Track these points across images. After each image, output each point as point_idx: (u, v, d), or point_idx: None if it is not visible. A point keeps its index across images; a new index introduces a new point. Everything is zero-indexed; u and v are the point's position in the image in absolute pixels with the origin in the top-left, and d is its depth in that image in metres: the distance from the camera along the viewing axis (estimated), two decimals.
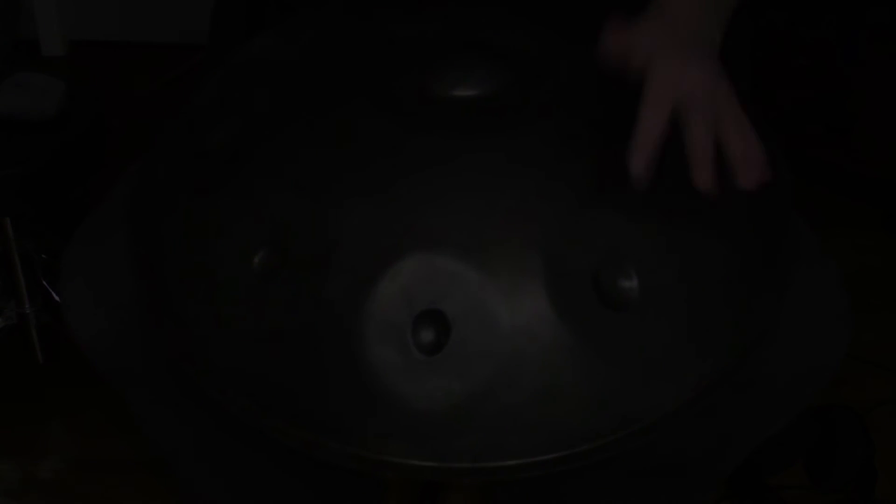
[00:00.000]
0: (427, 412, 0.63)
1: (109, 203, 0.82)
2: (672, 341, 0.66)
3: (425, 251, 0.64)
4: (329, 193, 0.67)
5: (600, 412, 0.64)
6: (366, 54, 0.75)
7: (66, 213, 1.31)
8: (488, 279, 0.64)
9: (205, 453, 0.75)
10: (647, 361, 0.65)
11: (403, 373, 0.63)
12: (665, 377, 0.65)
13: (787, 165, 0.73)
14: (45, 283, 1.39)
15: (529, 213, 0.66)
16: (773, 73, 1.70)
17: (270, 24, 0.82)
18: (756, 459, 1.27)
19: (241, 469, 0.74)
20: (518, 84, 0.72)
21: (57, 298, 1.35)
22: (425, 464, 0.63)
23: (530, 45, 0.75)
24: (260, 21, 0.86)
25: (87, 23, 2.23)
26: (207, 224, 0.69)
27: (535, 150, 0.68)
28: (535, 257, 0.65)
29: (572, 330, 0.64)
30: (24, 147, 1.27)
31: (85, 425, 1.33)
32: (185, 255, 0.70)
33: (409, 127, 0.69)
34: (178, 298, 0.69)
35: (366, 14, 0.79)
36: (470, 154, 0.68)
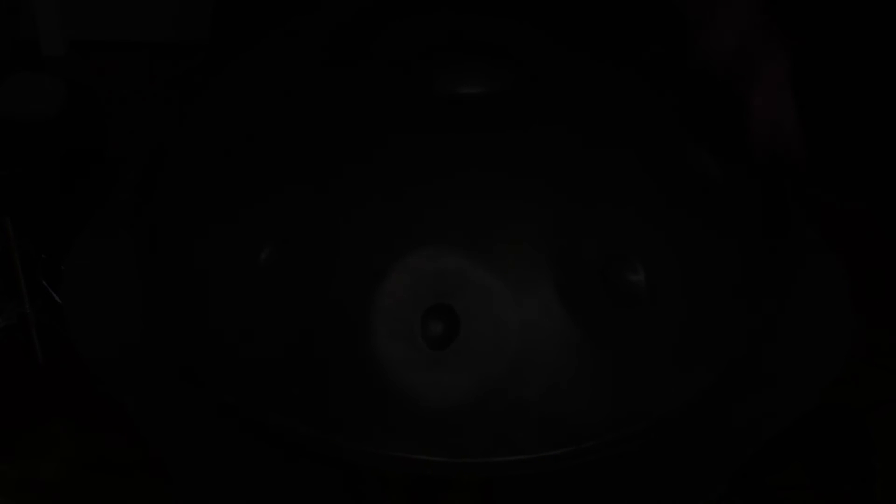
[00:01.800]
0: (436, 408, 0.63)
1: (111, 204, 0.82)
2: (679, 337, 0.66)
3: (433, 246, 0.65)
4: (335, 189, 0.67)
5: (608, 408, 0.64)
6: (371, 53, 0.75)
7: (66, 214, 1.31)
8: (496, 274, 0.64)
9: (203, 455, 0.75)
10: (655, 357, 0.65)
11: (412, 368, 0.63)
12: (672, 373, 0.65)
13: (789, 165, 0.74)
14: (44, 283, 1.39)
15: (537, 208, 0.66)
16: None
17: (273, 23, 0.82)
18: (756, 459, 1.27)
19: (239, 472, 0.74)
20: (526, 81, 0.72)
21: (57, 299, 1.35)
22: (434, 459, 0.63)
23: (535, 45, 0.75)
24: (261, 21, 0.86)
25: (87, 23, 2.22)
26: (212, 222, 0.69)
27: (543, 146, 0.69)
28: (543, 252, 0.65)
29: (580, 325, 0.64)
30: (24, 147, 1.27)
31: (85, 425, 1.33)
32: (191, 254, 0.70)
33: (417, 123, 0.70)
34: (184, 297, 0.69)
35: (370, 15, 0.79)
36: (477, 150, 0.68)
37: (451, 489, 0.80)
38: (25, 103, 1.30)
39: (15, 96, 1.31)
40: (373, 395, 0.63)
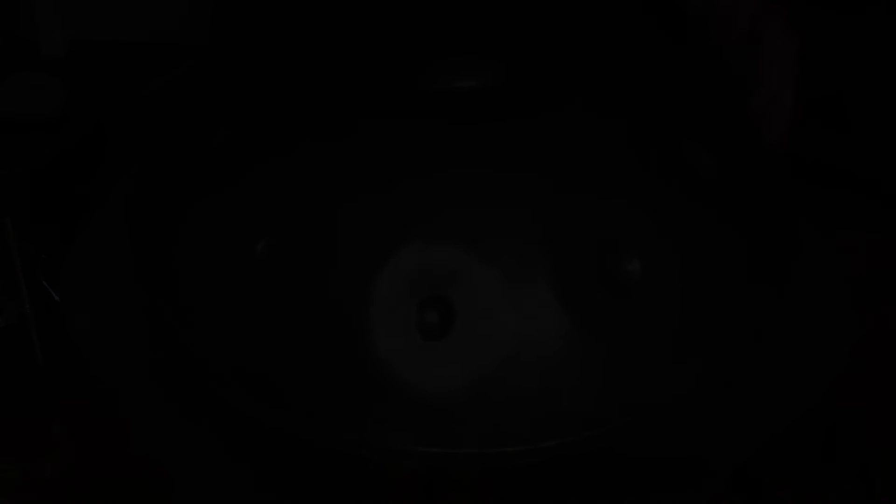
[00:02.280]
0: (431, 399, 0.63)
1: (110, 203, 0.82)
2: (676, 328, 0.66)
3: (428, 239, 0.65)
4: (330, 184, 0.67)
5: (606, 398, 0.64)
6: (365, 48, 0.75)
7: (66, 213, 1.31)
8: (491, 266, 0.64)
9: (202, 457, 0.75)
10: (651, 348, 0.65)
11: (407, 360, 0.63)
12: (669, 364, 0.66)
13: (788, 163, 0.74)
14: (44, 283, 1.39)
15: (532, 199, 0.66)
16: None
17: (272, 24, 0.82)
18: (756, 459, 1.27)
19: (238, 473, 0.74)
20: (521, 75, 0.72)
21: (57, 299, 1.36)
22: (431, 450, 0.63)
23: (528, 38, 0.75)
24: (261, 21, 0.86)
25: (87, 23, 2.23)
26: (208, 219, 0.70)
27: (537, 140, 0.69)
28: (538, 243, 0.65)
29: (576, 315, 0.64)
30: (24, 147, 1.27)
31: (85, 425, 1.32)
32: (187, 253, 0.70)
33: (411, 117, 0.70)
34: (182, 295, 0.69)
35: (366, 14, 0.79)
36: (472, 144, 0.68)
37: (450, 487, 0.80)
38: (25, 103, 1.30)
39: (15, 96, 1.31)
40: (368, 386, 0.63)
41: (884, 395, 1.45)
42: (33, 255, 1.51)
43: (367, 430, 0.64)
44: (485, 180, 0.68)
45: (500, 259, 0.65)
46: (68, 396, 1.44)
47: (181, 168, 0.75)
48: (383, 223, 0.66)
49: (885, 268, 1.59)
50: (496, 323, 0.65)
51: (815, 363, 0.76)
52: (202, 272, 0.69)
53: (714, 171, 0.71)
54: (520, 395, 0.64)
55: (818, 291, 0.79)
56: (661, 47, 0.80)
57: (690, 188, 0.70)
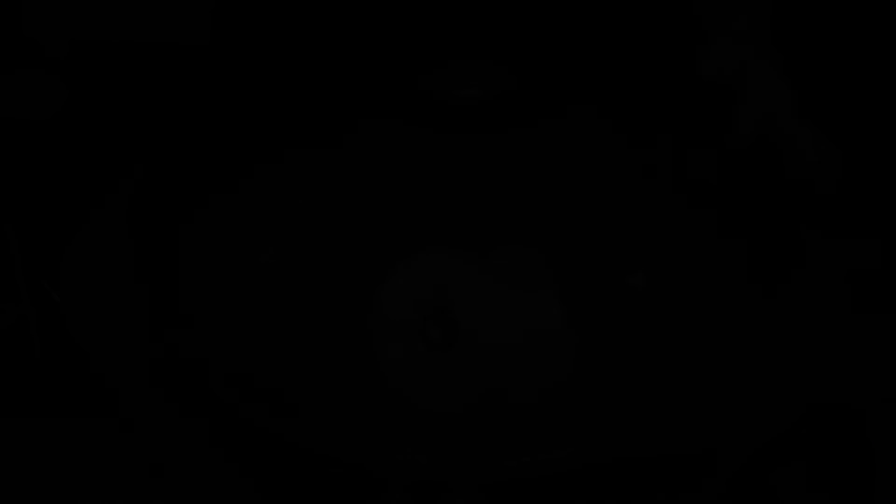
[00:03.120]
0: (436, 411, 0.63)
1: (111, 203, 0.82)
2: (678, 338, 0.66)
3: (433, 251, 0.65)
4: (334, 193, 0.67)
5: (609, 410, 0.64)
6: (364, 54, 0.75)
7: (65, 214, 1.31)
8: (496, 278, 0.64)
9: (200, 458, 0.75)
10: (654, 358, 0.65)
11: (412, 372, 0.63)
12: (672, 374, 0.66)
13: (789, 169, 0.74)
14: (45, 283, 1.39)
15: (537, 210, 0.66)
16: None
17: (273, 25, 0.82)
18: (756, 459, 1.28)
19: (236, 475, 0.74)
20: (525, 84, 0.72)
21: (57, 299, 1.36)
22: (435, 462, 0.63)
23: (534, 46, 0.75)
24: (262, 21, 0.86)
25: (87, 23, 2.22)
26: (212, 224, 0.70)
27: (543, 149, 0.69)
28: (543, 256, 0.65)
29: (580, 328, 0.64)
30: (24, 147, 1.27)
31: (85, 425, 1.32)
32: (191, 256, 0.70)
33: (416, 126, 0.70)
34: (184, 299, 0.69)
35: (367, 20, 0.79)
36: (476, 153, 0.68)
37: (452, 491, 0.80)
38: (25, 103, 1.30)
39: (15, 96, 1.31)
40: (373, 398, 0.63)
41: (884, 395, 1.45)
42: (33, 255, 1.51)
43: (370, 442, 0.64)
44: (490, 191, 0.68)
45: (506, 269, 0.66)
46: (68, 396, 1.44)
47: (185, 170, 0.75)
48: (389, 232, 0.66)
49: (883, 268, 1.59)
50: (501, 334, 0.65)
51: (813, 365, 0.76)
52: (205, 279, 0.70)
53: (717, 178, 0.71)
54: (524, 408, 0.65)
55: (817, 293, 0.79)
56: (665, 60, 0.80)
57: (694, 197, 0.70)
